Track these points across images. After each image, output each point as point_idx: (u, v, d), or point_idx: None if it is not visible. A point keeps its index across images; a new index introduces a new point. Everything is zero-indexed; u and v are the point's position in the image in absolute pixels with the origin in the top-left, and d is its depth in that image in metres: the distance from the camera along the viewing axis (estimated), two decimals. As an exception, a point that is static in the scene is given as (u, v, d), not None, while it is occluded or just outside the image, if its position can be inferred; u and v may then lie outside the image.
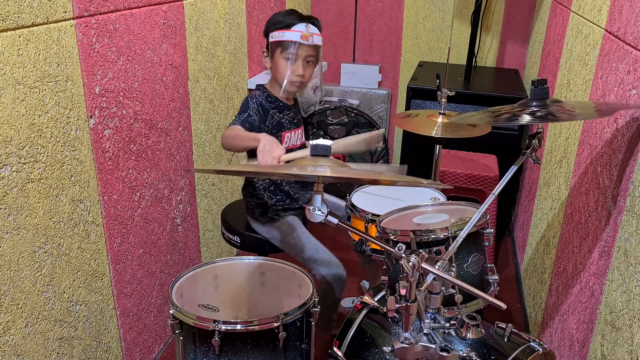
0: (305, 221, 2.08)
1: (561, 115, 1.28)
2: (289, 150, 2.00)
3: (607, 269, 1.42)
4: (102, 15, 1.65)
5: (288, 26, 1.84)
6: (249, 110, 1.87)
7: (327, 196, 2.19)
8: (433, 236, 1.43)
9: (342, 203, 2.13)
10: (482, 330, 1.43)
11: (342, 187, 2.30)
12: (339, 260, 1.96)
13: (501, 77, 3.41)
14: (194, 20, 2.23)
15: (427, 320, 1.25)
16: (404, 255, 1.14)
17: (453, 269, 1.37)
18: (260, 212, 2.04)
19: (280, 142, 1.96)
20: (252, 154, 2.00)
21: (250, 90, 2.88)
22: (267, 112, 1.92)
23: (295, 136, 2.02)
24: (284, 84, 1.88)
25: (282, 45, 1.86)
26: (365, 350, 1.54)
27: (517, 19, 3.55)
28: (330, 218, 1.23)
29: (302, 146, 2.07)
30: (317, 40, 1.87)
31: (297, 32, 1.83)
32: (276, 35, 1.87)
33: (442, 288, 1.26)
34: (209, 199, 2.55)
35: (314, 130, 3.57)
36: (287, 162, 1.61)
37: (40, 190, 1.48)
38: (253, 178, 2.06)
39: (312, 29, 1.85)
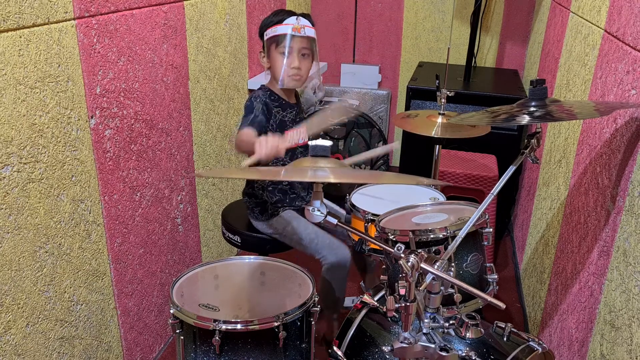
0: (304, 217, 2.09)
1: (560, 115, 1.29)
2: (291, 149, 2.01)
3: (607, 269, 1.43)
4: (102, 16, 1.66)
5: (279, 22, 1.90)
6: (254, 110, 1.90)
7: (326, 202, 2.19)
8: (432, 236, 1.43)
9: (343, 211, 2.14)
10: (482, 330, 1.43)
11: (342, 187, 2.30)
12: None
13: (501, 78, 3.41)
14: (195, 20, 2.23)
15: (426, 320, 1.26)
16: (403, 255, 1.14)
17: (452, 269, 1.37)
18: (259, 211, 2.06)
19: None
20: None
21: (250, 90, 2.88)
22: (270, 111, 1.96)
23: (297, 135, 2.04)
24: (282, 77, 1.91)
25: (275, 40, 1.91)
26: (365, 350, 1.55)
27: (517, 19, 3.55)
28: (329, 218, 1.23)
29: (305, 146, 2.08)
30: (310, 32, 1.91)
31: (288, 25, 1.88)
32: (269, 32, 1.92)
33: (441, 288, 1.26)
34: (209, 198, 2.55)
35: (314, 130, 3.57)
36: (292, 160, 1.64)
37: (41, 190, 1.49)
38: (253, 180, 2.07)
39: (303, 21, 1.91)
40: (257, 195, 2.06)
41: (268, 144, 1.62)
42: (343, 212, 2.14)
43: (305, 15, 1.93)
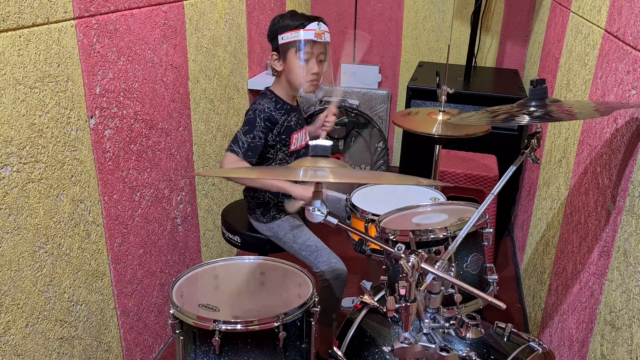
0: (305, 221, 2.09)
1: (560, 115, 1.29)
2: (295, 151, 2.02)
3: (607, 269, 1.43)
4: (102, 16, 1.65)
5: (300, 26, 1.87)
6: (254, 130, 1.89)
7: (327, 191, 2.20)
8: (432, 236, 1.43)
9: (343, 196, 2.13)
10: (482, 330, 1.43)
11: (342, 187, 2.30)
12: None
13: (501, 78, 3.41)
14: (194, 20, 2.23)
15: (426, 320, 1.25)
16: (403, 255, 1.14)
17: (452, 269, 1.37)
18: (261, 212, 2.05)
19: (289, 144, 1.98)
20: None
21: (250, 91, 2.88)
22: (275, 122, 1.94)
23: (301, 136, 2.04)
24: (303, 84, 1.90)
25: (296, 45, 1.88)
26: (365, 350, 1.55)
27: (517, 19, 3.55)
28: (329, 218, 1.23)
29: (306, 146, 2.08)
30: (328, 37, 1.91)
31: (311, 31, 1.86)
32: (288, 37, 1.88)
33: (442, 288, 1.26)
34: (209, 199, 2.55)
35: (314, 130, 3.57)
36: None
37: (40, 190, 1.49)
38: None
39: (323, 26, 1.90)
40: (259, 197, 2.06)
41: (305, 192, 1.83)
42: (343, 196, 2.13)
43: (322, 20, 1.91)
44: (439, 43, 3.72)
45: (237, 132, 1.91)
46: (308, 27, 1.86)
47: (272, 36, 1.93)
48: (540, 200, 2.44)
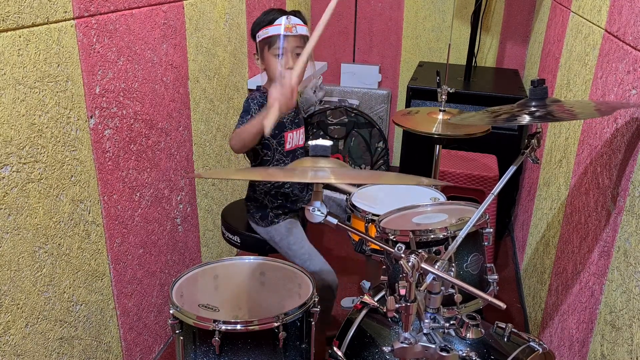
0: (305, 222, 2.09)
1: (561, 115, 1.28)
2: (291, 151, 2.01)
3: (607, 269, 1.43)
4: (102, 16, 1.65)
5: (270, 22, 1.87)
6: (250, 111, 1.89)
7: (327, 192, 2.19)
8: (432, 236, 1.43)
9: (343, 197, 2.13)
10: (482, 330, 1.43)
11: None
12: (335, 265, 1.97)
13: (501, 77, 3.41)
14: (194, 20, 2.23)
15: (426, 320, 1.25)
16: (403, 255, 1.14)
17: (452, 269, 1.36)
18: (260, 216, 2.04)
19: (284, 143, 1.97)
20: (254, 157, 2.01)
21: (250, 90, 2.88)
22: None
23: (297, 136, 2.03)
24: (277, 79, 1.89)
25: (268, 42, 1.89)
26: (365, 350, 1.55)
27: (517, 19, 3.55)
28: (329, 218, 1.23)
29: (304, 146, 2.07)
30: (302, 30, 1.89)
31: (279, 26, 1.85)
32: (261, 34, 1.89)
33: (442, 288, 1.26)
34: (209, 199, 2.55)
35: (314, 130, 3.57)
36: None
37: (40, 190, 1.48)
38: (255, 182, 2.06)
39: (294, 20, 1.88)
40: (258, 199, 2.05)
41: (281, 91, 1.58)
42: (342, 197, 2.13)
43: (296, 13, 1.91)
44: (439, 43, 3.72)
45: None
46: (277, 21, 1.86)
47: (253, 36, 1.95)
48: (541, 200, 2.44)
